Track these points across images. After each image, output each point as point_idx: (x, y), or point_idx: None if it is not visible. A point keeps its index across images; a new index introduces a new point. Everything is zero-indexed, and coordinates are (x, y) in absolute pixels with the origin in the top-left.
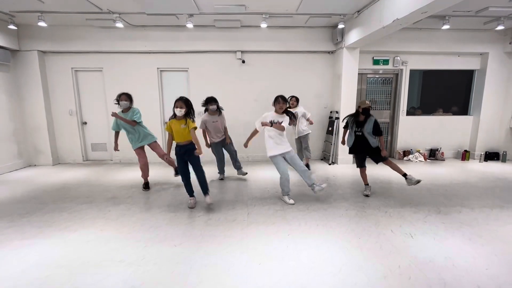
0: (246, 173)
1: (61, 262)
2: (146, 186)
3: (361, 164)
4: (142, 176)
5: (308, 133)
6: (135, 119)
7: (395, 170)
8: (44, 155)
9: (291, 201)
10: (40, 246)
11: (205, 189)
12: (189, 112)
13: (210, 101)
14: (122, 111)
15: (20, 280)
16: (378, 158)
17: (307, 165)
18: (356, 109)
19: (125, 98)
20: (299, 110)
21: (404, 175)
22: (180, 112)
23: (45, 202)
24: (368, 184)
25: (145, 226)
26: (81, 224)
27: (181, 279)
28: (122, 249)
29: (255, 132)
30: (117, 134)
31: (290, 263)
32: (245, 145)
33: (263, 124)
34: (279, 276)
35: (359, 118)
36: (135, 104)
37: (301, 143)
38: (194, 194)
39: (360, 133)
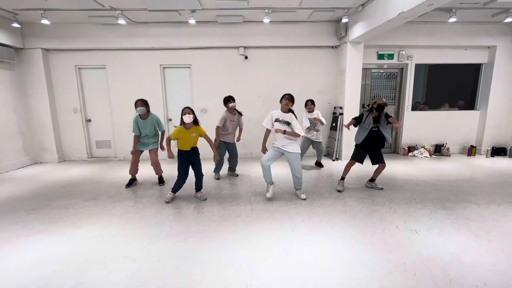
0: (237, 175)
1: (66, 258)
2: (130, 182)
3: (360, 159)
4: (130, 172)
5: (321, 141)
6: (163, 130)
7: (376, 173)
8: (49, 153)
9: (268, 194)
10: (46, 242)
11: (200, 187)
12: (196, 118)
13: (229, 100)
14: (141, 117)
15: (26, 276)
16: (378, 159)
17: (320, 163)
18: (371, 105)
19: (140, 104)
20: (316, 113)
21: (372, 179)
22: (189, 118)
23: (51, 199)
24: (343, 179)
25: (149, 222)
26: (86, 220)
27: (185, 275)
28: (126, 245)
29: (267, 132)
30: (137, 137)
31: (293, 259)
32: (264, 151)
33: (277, 131)
34: (283, 272)
35: (373, 114)
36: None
37: (313, 145)
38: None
39: (376, 129)
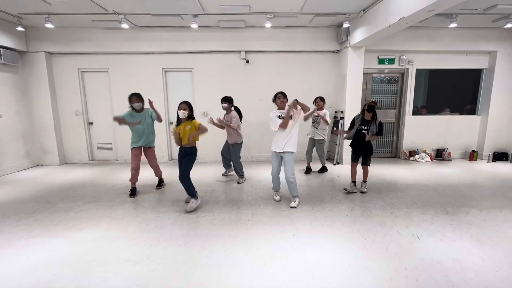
0: (227, 175)
1: (67, 260)
2: (133, 192)
3: (356, 159)
4: (130, 180)
5: (324, 140)
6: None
7: (364, 175)
8: (51, 155)
9: (277, 198)
10: (47, 245)
11: (189, 193)
12: (192, 114)
13: (221, 101)
14: (137, 111)
15: (27, 278)
16: (364, 162)
17: (324, 167)
18: (362, 108)
19: (136, 99)
20: (325, 112)
21: (364, 181)
22: (183, 114)
23: (52, 202)
24: (354, 182)
25: (150, 226)
26: (87, 223)
27: (186, 279)
28: (127, 248)
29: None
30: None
31: (295, 263)
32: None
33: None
34: (284, 276)
35: (364, 116)
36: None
37: (315, 146)
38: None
39: (366, 131)
